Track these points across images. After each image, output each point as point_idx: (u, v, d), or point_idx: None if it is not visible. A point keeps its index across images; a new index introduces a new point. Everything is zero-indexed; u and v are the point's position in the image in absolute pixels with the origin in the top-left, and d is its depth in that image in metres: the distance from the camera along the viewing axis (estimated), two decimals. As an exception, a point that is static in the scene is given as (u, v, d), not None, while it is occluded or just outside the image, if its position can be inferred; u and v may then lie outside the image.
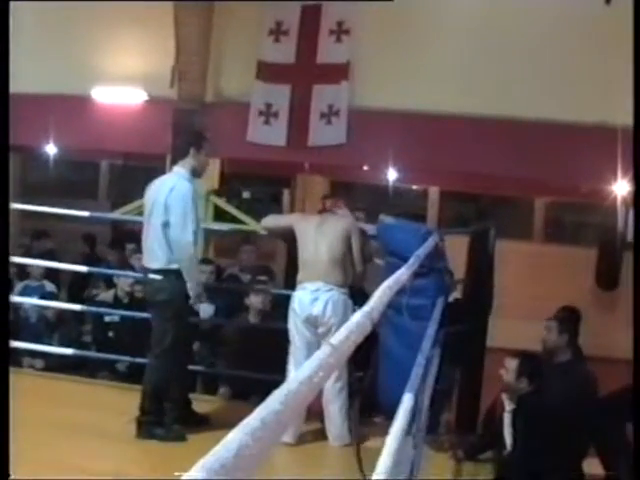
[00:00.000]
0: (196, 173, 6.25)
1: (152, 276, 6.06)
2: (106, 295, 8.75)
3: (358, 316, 2.13)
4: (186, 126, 6.68)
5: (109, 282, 8.99)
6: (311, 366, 1.52)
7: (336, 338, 1.81)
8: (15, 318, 8.70)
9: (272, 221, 7.05)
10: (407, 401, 2.98)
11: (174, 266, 5.95)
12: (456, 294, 7.43)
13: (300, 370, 1.49)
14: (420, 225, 7.11)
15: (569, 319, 7.11)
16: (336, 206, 6.72)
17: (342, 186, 14.28)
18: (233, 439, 1.12)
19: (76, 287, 9.78)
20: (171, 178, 6.19)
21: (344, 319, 5.74)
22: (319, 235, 6.36)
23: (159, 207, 5.99)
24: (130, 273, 8.46)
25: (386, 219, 6.82)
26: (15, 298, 8.54)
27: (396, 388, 4.85)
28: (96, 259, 10.43)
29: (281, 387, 1.39)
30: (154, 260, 6.04)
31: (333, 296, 6.20)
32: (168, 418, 6.10)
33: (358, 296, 6.01)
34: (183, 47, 10.02)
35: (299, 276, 6.40)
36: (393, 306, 5.37)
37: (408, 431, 3.27)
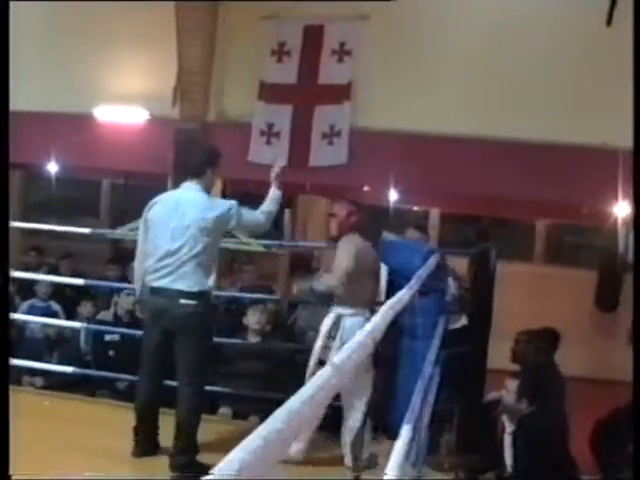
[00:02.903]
0: (208, 193, 5.85)
1: (183, 301, 5.55)
2: (106, 314, 8.75)
3: (360, 336, 2.13)
4: (201, 144, 6.19)
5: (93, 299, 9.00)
6: (313, 386, 1.53)
7: (338, 357, 1.81)
8: (21, 337, 8.73)
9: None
10: (406, 433, 2.95)
11: (206, 288, 5.65)
12: (464, 321, 7.42)
13: (302, 389, 1.49)
14: (422, 243, 7.10)
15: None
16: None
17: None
18: (235, 457, 1.12)
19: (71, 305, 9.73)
20: (196, 197, 5.68)
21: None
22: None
23: (196, 229, 5.54)
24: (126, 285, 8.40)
25: (389, 236, 6.80)
26: (18, 316, 8.57)
27: (396, 406, 4.85)
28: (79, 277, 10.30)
29: (283, 406, 1.39)
30: (186, 282, 5.55)
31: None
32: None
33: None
34: (185, 67, 10.06)
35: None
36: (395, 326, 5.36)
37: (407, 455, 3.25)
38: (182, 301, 5.55)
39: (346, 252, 5.83)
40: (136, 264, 5.94)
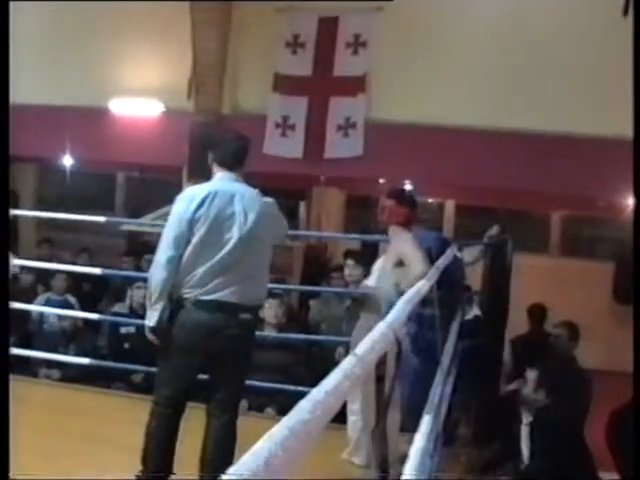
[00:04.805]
0: None
1: (243, 315, 4.74)
2: (122, 306, 8.77)
3: (381, 327, 2.12)
4: (231, 132, 5.52)
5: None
6: (337, 376, 1.51)
7: (360, 348, 1.80)
8: (38, 330, 8.77)
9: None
10: (426, 425, 2.93)
11: (262, 302, 5.11)
12: (476, 311, 7.40)
13: (326, 380, 1.48)
14: (439, 233, 7.08)
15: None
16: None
17: (358, 199, 14.30)
18: (262, 448, 1.11)
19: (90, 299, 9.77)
20: (248, 190, 4.87)
21: None
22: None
23: (264, 235, 4.84)
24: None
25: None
26: (34, 308, 8.61)
27: (409, 397, 4.83)
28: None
29: (307, 397, 1.38)
30: (248, 295, 4.77)
31: None
32: None
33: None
34: (200, 59, 10.06)
35: None
36: (411, 317, 5.32)
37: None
38: (242, 316, 4.73)
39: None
40: (161, 271, 4.74)
